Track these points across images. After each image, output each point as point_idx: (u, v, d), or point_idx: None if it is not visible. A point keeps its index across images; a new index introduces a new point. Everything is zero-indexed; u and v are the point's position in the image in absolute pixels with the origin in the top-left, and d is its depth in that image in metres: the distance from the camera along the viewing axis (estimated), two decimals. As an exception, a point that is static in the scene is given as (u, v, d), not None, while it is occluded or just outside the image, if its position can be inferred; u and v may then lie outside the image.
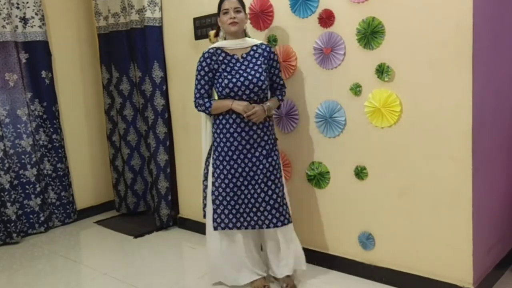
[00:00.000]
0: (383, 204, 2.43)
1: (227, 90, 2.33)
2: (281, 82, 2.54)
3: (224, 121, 2.37)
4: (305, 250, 2.57)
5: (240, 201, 2.37)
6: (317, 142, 2.64)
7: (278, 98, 2.52)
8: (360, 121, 2.45)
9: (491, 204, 2.36)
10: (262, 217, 2.37)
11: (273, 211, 2.36)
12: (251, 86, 2.32)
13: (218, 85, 2.38)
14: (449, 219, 2.21)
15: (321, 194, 2.68)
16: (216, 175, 2.40)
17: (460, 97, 2.09)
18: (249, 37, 2.53)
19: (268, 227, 2.38)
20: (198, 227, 3.49)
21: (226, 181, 2.37)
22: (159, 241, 3.45)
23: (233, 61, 2.39)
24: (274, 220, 2.36)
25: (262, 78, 2.34)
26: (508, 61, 2.44)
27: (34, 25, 3.65)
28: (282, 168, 2.48)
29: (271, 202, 2.36)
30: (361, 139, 2.46)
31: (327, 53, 2.51)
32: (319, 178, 2.67)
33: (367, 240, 2.52)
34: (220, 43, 2.44)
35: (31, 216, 3.69)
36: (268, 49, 2.45)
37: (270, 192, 2.36)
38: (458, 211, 2.18)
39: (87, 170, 4.19)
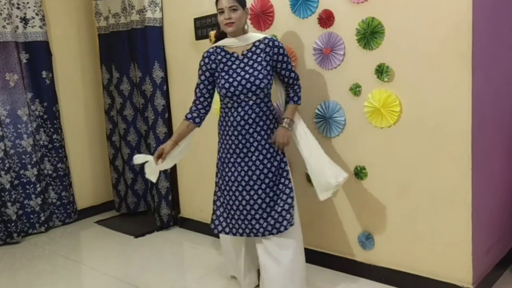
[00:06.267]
0: (382, 204, 2.44)
1: (224, 91, 2.21)
2: (292, 75, 2.29)
3: (224, 123, 2.29)
4: (305, 250, 2.56)
5: (234, 207, 2.26)
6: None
7: (293, 101, 2.31)
8: (359, 121, 2.45)
9: (490, 204, 2.36)
10: (257, 225, 2.22)
11: (269, 218, 2.21)
12: (248, 85, 2.17)
13: (217, 85, 2.27)
14: (448, 219, 2.21)
15: (321, 194, 2.68)
16: (218, 176, 2.36)
17: (460, 97, 2.09)
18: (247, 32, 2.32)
19: (256, 235, 2.23)
20: (199, 227, 3.50)
21: (225, 183, 2.29)
22: (159, 241, 3.45)
23: (232, 59, 2.24)
24: (269, 228, 2.20)
25: (261, 76, 2.17)
26: (508, 60, 2.44)
27: (35, 26, 3.65)
28: (288, 171, 2.29)
29: (267, 209, 2.21)
30: (360, 139, 2.47)
31: (327, 53, 2.51)
32: (319, 178, 2.67)
33: (366, 240, 2.53)
34: (221, 41, 2.30)
35: (31, 216, 3.69)
36: (271, 43, 2.24)
37: (267, 199, 2.21)
38: (457, 211, 2.18)
39: (87, 170, 4.20)
